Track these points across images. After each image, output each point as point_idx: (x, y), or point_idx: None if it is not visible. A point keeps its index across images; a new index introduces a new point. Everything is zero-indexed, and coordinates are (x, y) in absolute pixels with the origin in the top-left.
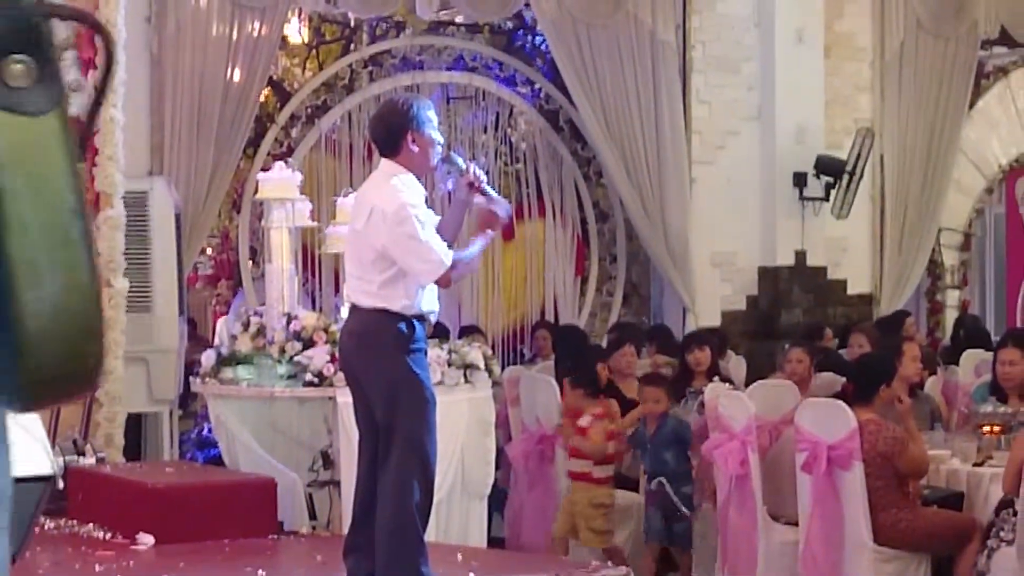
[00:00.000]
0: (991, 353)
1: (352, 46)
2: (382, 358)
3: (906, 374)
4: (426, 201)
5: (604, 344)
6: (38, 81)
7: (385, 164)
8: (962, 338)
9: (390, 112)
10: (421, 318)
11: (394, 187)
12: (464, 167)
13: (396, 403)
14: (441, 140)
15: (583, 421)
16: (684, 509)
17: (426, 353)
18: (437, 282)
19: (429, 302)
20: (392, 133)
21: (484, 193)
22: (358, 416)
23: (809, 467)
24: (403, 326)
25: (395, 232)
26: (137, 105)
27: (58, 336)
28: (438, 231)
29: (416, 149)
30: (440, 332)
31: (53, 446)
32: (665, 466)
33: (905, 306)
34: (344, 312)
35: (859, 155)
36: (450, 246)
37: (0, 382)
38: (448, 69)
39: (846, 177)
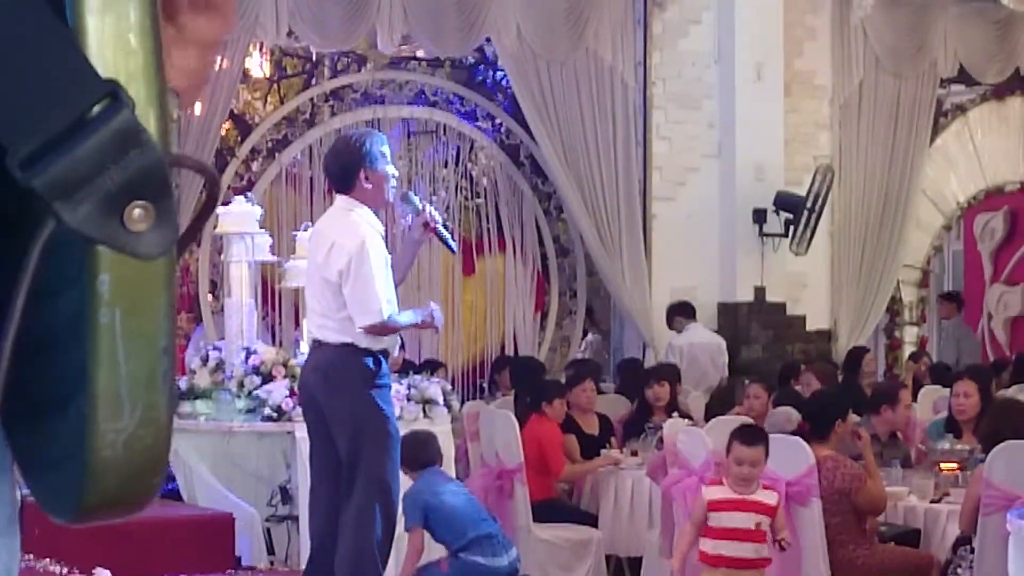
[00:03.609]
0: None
1: (313, 80)
2: (348, 392)
3: (898, 419)
4: (384, 237)
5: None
6: (154, 227)
7: (341, 199)
8: (925, 374)
9: (343, 149)
10: (385, 353)
11: (355, 222)
12: (420, 207)
13: (360, 438)
14: (396, 174)
15: None
16: None
17: (390, 388)
18: (366, 328)
19: (390, 338)
20: (345, 170)
21: (438, 234)
22: (314, 452)
23: None
24: (369, 361)
25: (352, 267)
26: None
27: (127, 467)
28: (391, 267)
29: (369, 186)
30: (402, 367)
31: None
32: None
33: (864, 343)
34: (304, 347)
35: (818, 192)
36: (399, 283)
37: (59, 500)
38: (409, 104)
39: (805, 214)
